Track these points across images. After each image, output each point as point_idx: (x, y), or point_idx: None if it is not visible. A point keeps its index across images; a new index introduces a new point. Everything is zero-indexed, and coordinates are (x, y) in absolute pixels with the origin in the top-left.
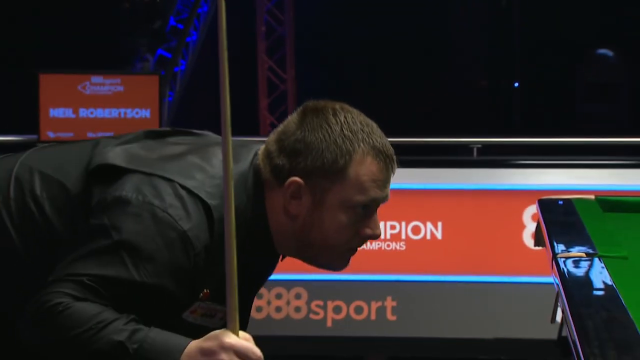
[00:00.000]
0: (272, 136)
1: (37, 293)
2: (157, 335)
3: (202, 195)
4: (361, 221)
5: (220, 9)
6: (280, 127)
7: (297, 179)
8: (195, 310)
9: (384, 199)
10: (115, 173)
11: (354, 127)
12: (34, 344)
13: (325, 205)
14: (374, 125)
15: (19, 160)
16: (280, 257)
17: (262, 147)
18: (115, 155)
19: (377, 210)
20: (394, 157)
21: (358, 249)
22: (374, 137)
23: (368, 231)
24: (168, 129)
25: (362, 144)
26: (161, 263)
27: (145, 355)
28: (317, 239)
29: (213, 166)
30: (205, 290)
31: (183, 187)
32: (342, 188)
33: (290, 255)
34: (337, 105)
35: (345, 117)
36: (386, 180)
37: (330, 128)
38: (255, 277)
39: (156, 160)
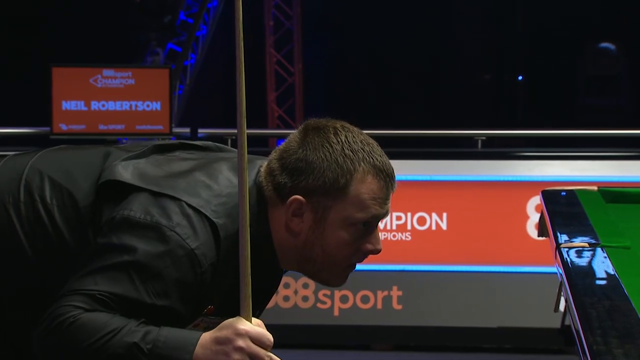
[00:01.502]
0: (274, 154)
1: (47, 307)
2: (170, 332)
3: (208, 213)
4: (362, 237)
5: (238, 10)
6: (282, 145)
7: (298, 197)
8: (198, 324)
9: (384, 215)
10: (124, 189)
11: (354, 146)
12: (49, 358)
13: (327, 222)
14: (375, 144)
15: (29, 162)
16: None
17: (265, 163)
18: (125, 172)
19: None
20: (394, 175)
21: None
22: (375, 156)
23: (369, 246)
24: (176, 142)
25: (362, 163)
26: (169, 281)
27: (160, 353)
28: (319, 255)
29: (219, 183)
30: (209, 306)
31: (190, 206)
32: (343, 206)
33: (292, 269)
34: (338, 124)
35: (346, 137)
36: (386, 198)
37: (332, 147)
38: (260, 292)
39: (163, 178)
